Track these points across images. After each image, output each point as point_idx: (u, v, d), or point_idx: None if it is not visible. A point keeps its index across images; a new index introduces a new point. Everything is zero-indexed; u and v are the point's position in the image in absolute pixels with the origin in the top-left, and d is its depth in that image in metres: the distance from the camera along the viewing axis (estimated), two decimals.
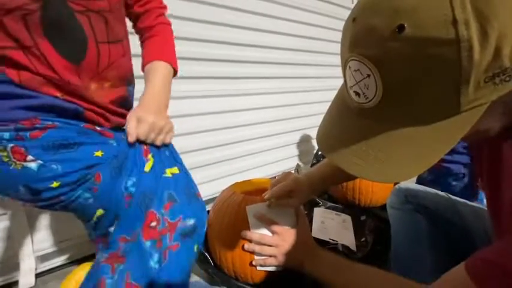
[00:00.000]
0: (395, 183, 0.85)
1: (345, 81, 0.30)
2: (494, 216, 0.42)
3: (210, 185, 1.14)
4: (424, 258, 0.65)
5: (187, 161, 1.06)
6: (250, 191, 0.87)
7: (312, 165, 1.46)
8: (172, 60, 0.62)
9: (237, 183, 0.87)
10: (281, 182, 0.66)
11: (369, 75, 0.26)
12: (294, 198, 0.66)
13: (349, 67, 0.28)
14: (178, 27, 0.96)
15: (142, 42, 0.65)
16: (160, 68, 0.59)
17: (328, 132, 0.34)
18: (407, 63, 0.24)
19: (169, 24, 0.67)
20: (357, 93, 0.28)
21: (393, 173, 0.27)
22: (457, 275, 0.33)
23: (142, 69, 0.61)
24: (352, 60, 0.27)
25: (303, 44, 1.47)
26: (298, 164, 1.57)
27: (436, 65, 0.23)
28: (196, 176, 1.12)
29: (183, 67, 1.00)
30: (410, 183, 0.78)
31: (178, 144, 1.02)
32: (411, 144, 0.26)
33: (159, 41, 0.62)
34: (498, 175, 0.38)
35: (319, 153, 1.44)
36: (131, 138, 0.49)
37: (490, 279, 0.30)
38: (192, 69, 1.01)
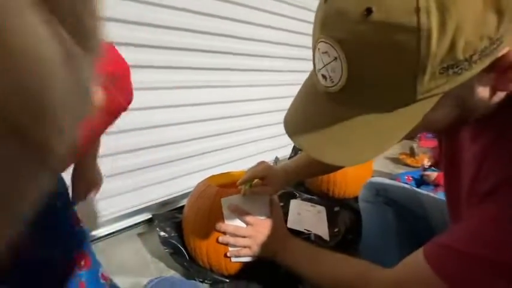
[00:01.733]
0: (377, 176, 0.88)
1: (314, 63, 0.30)
2: (452, 202, 0.44)
3: (188, 179, 1.12)
4: (391, 248, 0.69)
5: (160, 154, 1.04)
6: (226, 184, 0.86)
7: (290, 158, 1.48)
8: None
9: (212, 176, 0.87)
10: (253, 169, 0.67)
11: (335, 58, 0.26)
12: (268, 186, 0.67)
13: (318, 49, 0.28)
14: (171, 18, 0.92)
15: None
16: None
17: (295, 116, 0.34)
18: (371, 48, 0.24)
19: None
20: (324, 77, 0.29)
21: (351, 157, 0.28)
22: (415, 260, 0.36)
23: None
24: (321, 42, 0.27)
25: (288, 38, 1.47)
26: (276, 157, 1.58)
27: (397, 52, 0.24)
28: (173, 169, 1.11)
29: (159, 56, 0.97)
30: (382, 178, 0.82)
31: (154, 137, 1.00)
32: (371, 130, 0.27)
33: None
34: (456, 162, 0.41)
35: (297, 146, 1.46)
36: None
37: (445, 262, 0.32)
38: (170, 58, 0.97)
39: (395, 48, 0.24)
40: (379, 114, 0.27)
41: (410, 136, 0.31)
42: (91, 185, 0.63)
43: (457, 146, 0.41)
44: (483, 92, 0.28)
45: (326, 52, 0.27)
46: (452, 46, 0.23)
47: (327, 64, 0.28)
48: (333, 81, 0.28)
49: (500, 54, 0.25)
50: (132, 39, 0.85)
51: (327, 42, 0.27)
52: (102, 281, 0.49)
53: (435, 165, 1.32)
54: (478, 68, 0.25)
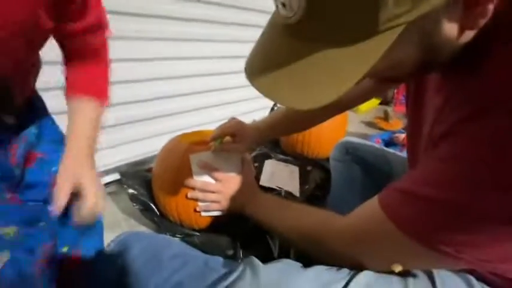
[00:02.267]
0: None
1: None
2: (411, 153, 0.45)
3: (159, 139, 1.09)
4: (356, 202, 0.72)
5: (131, 112, 0.98)
6: (197, 142, 0.84)
7: None
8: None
9: (184, 134, 0.84)
10: (224, 125, 0.65)
11: None
12: (238, 143, 0.66)
13: None
14: None
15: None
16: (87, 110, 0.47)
17: (254, 57, 0.31)
18: None
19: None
20: (284, 5, 0.26)
21: (309, 99, 0.26)
22: (370, 205, 0.36)
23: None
24: None
25: None
26: (254, 120, 1.57)
27: None
28: (145, 129, 1.06)
29: (137, 3, 0.85)
30: (352, 138, 0.84)
31: (122, 92, 0.93)
32: (330, 67, 0.25)
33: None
34: (419, 111, 0.41)
35: (274, 108, 1.45)
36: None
37: (395, 204, 0.33)
38: (137, 4, 0.87)
39: None
40: (338, 48, 0.25)
41: (371, 77, 0.30)
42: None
43: (422, 94, 0.40)
44: (450, 28, 0.26)
45: None
46: None
47: None
48: (292, 9, 0.25)
49: None
50: None
51: None
52: None
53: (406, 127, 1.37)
54: None
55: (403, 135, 1.31)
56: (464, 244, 0.28)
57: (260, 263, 0.36)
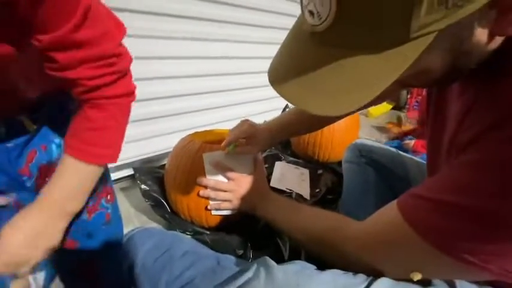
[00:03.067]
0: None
1: (301, 0, 0.28)
2: (431, 158, 0.44)
3: (172, 137, 1.09)
4: (370, 206, 0.71)
5: (145, 109, 1.00)
6: (210, 141, 0.85)
7: None
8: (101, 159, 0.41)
9: (196, 132, 0.85)
10: (237, 128, 0.65)
11: None
12: (251, 145, 0.66)
13: None
14: None
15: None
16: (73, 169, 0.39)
17: (278, 63, 0.31)
18: None
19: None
20: (311, 13, 0.26)
21: (336, 105, 0.26)
22: (388, 210, 0.36)
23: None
24: None
25: None
26: (265, 121, 1.56)
27: None
28: (155, 127, 1.07)
29: (151, 2, 0.87)
30: (366, 140, 0.82)
31: (141, 90, 0.93)
32: (358, 74, 0.25)
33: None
34: (441, 117, 0.40)
35: (286, 109, 1.44)
36: None
37: (415, 210, 0.32)
38: (153, 3, 0.88)
39: None
40: (367, 56, 0.24)
41: (397, 86, 0.29)
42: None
43: (444, 101, 0.39)
44: (481, 34, 0.26)
45: None
46: None
47: None
48: (320, 18, 0.25)
49: None
50: None
51: None
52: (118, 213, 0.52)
53: (416, 133, 1.34)
54: (481, 1, 0.22)
55: (413, 142, 1.28)
56: (491, 254, 0.27)
57: (274, 264, 0.35)
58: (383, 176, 0.72)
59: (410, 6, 0.21)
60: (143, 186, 0.79)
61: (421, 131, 1.35)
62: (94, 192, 0.46)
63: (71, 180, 0.38)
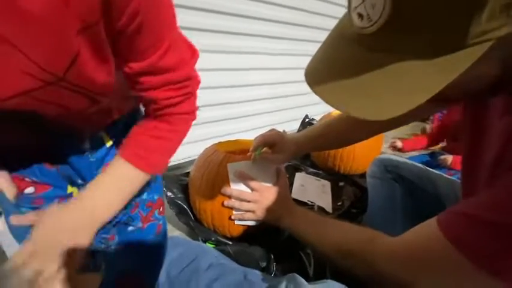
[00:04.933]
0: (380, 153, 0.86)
1: (349, 2, 0.27)
2: (467, 174, 0.42)
3: (196, 145, 1.13)
4: (397, 223, 0.69)
5: None
6: (233, 151, 0.86)
7: (298, 132, 1.46)
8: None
9: (220, 142, 0.86)
10: (265, 134, 0.66)
11: None
12: (277, 154, 0.66)
13: None
14: None
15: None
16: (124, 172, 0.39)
17: (317, 65, 0.31)
18: None
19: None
20: (360, 15, 0.25)
21: (379, 109, 0.25)
22: (427, 226, 0.35)
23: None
24: None
25: (309, 4, 1.38)
26: (284, 131, 1.57)
27: None
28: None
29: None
30: (391, 155, 0.80)
31: None
32: (404, 81, 0.24)
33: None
34: (481, 133, 0.38)
35: (306, 120, 1.44)
36: None
37: (457, 227, 0.31)
38: (183, 18, 0.93)
39: None
40: (417, 61, 0.24)
41: (437, 97, 0.29)
42: None
43: (484, 116, 0.38)
44: None
45: None
46: None
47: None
48: (370, 20, 0.24)
49: None
50: None
51: None
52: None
53: (448, 148, 1.29)
54: None
55: (450, 158, 1.22)
56: None
57: (304, 281, 0.35)
58: (410, 192, 0.70)
59: (472, 11, 0.21)
60: (169, 194, 0.81)
61: (453, 146, 1.30)
62: (149, 201, 0.49)
63: (117, 185, 0.38)
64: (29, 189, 0.40)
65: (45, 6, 0.23)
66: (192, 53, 0.39)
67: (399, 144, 1.44)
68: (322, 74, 0.29)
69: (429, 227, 0.34)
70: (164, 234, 0.53)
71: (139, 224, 0.48)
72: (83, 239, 0.36)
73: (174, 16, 0.34)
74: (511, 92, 0.31)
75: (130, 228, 0.47)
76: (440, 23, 0.22)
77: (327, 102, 0.28)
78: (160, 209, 0.52)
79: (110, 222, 0.43)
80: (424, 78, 0.24)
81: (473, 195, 0.34)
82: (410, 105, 0.24)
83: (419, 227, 0.37)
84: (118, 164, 0.38)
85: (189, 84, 0.38)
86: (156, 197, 0.51)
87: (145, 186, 0.48)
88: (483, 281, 0.29)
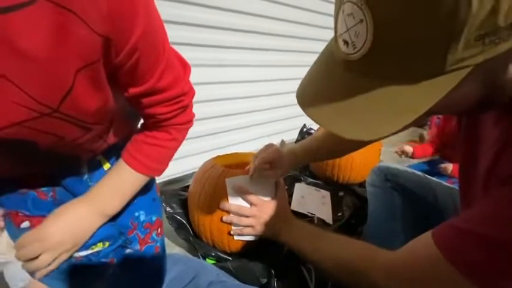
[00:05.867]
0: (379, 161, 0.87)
1: (336, 28, 0.28)
2: (465, 187, 0.43)
3: (195, 158, 1.13)
4: (397, 232, 0.69)
5: None
6: (231, 164, 0.86)
7: (297, 141, 1.47)
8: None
9: (218, 156, 0.86)
10: (263, 153, 0.66)
11: (361, 21, 0.24)
12: (275, 169, 0.66)
13: (343, 11, 0.26)
14: None
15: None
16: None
17: (309, 87, 0.32)
18: (403, 7, 0.22)
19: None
20: (346, 42, 0.26)
21: (367, 131, 0.26)
22: (423, 242, 0.35)
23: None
24: (348, 2, 0.25)
25: (304, 17, 1.41)
26: (282, 140, 1.57)
27: (432, 12, 0.21)
28: (180, 148, 1.11)
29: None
30: (390, 163, 0.81)
31: None
32: (390, 104, 0.25)
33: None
34: (475, 145, 0.39)
35: (304, 129, 1.44)
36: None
37: (452, 242, 0.31)
38: (175, 34, 0.94)
39: (430, 8, 0.21)
40: (400, 86, 0.25)
41: (428, 114, 0.29)
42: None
43: (477, 129, 0.38)
44: None
45: (351, 14, 0.25)
46: (495, 9, 0.20)
47: (350, 28, 0.25)
48: (355, 47, 0.26)
49: None
50: None
51: (354, 3, 0.24)
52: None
53: (447, 156, 1.29)
54: None
55: (451, 166, 1.22)
56: None
57: None
58: (410, 201, 0.70)
59: (448, 41, 0.22)
60: (168, 209, 0.81)
61: (451, 153, 1.30)
62: (147, 223, 0.49)
63: (118, 183, 0.42)
64: (25, 224, 0.40)
65: (45, 47, 0.24)
66: (185, 68, 0.41)
67: (409, 149, 1.42)
68: (313, 96, 0.31)
69: (425, 241, 0.34)
70: (162, 255, 0.52)
71: (137, 247, 0.48)
72: (87, 233, 0.39)
73: (166, 37, 0.35)
74: (499, 106, 0.32)
75: (128, 250, 0.47)
76: (419, 51, 0.23)
77: (319, 124, 0.29)
78: (159, 230, 0.52)
79: (109, 246, 0.43)
80: (409, 101, 0.25)
81: (470, 206, 0.34)
82: (398, 126, 0.25)
83: (416, 241, 0.37)
84: (121, 166, 0.42)
85: (184, 98, 0.41)
86: (154, 218, 0.51)
87: (143, 207, 0.48)
88: None
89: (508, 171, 0.30)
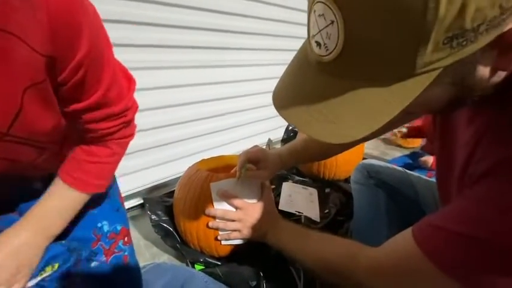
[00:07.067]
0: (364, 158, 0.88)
1: (308, 29, 0.28)
2: (442, 184, 0.44)
3: (180, 163, 1.11)
4: (383, 228, 0.70)
5: (151, 138, 1.02)
6: (217, 168, 0.85)
7: (283, 140, 1.47)
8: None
9: (203, 160, 0.86)
10: (248, 155, 0.66)
11: (332, 22, 0.24)
12: (262, 170, 0.66)
13: (314, 11, 0.26)
14: None
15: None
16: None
17: (284, 88, 0.32)
18: (373, 9, 0.22)
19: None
20: (318, 44, 0.26)
21: (340, 133, 0.26)
22: (403, 238, 0.35)
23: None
24: (318, 2, 0.25)
25: (284, 15, 1.40)
26: (269, 139, 1.57)
27: (401, 15, 0.21)
28: (162, 154, 1.09)
29: (145, 34, 0.91)
30: (374, 160, 0.82)
31: (143, 120, 0.96)
32: (363, 106, 0.26)
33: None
34: (450, 143, 0.40)
35: (290, 128, 1.45)
36: None
37: (430, 240, 0.32)
38: (153, 36, 0.92)
39: (399, 10, 0.21)
40: (373, 88, 0.25)
41: (401, 116, 0.30)
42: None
43: (452, 127, 0.40)
44: (483, 70, 0.26)
45: (322, 15, 0.25)
46: (462, 12, 0.20)
47: (322, 29, 0.25)
48: (327, 49, 0.25)
49: (507, 28, 0.23)
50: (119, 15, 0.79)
51: (324, 3, 0.24)
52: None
53: (427, 149, 1.32)
54: (483, 41, 0.23)
55: (431, 159, 1.25)
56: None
57: None
58: (393, 197, 0.71)
59: (417, 44, 0.22)
60: (153, 217, 0.79)
61: (431, 147, 1.34)
62: (112, 233, 0.48)
63: (59, 205, 0.40)
64: None
65: None
66: (129, 82, 0.41)
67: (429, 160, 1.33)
68: (288, 98, 0.31)
69: (404, 238, 0.35)
70: (134, 264, 0.51)
71: (103, 258, 0.47)
72: (34, 258, 0.37)
73: (111, 52, 0.35)
74: (474, 104, 0.33)
75: (93, 264, 0.45)
76: (390, 54, 0.23)
77: (293, 125, 0.29)
78: (125, 239, 0.51)
79: (60, 267, 0.42)
80: (381, 103, 0.25)
81: (448, 202, 0.35)
82: (370, 129, 0.25)
83: (396, 238, 0.38)
84: (60, 187, 0.40)
85: (128, 113, 0.40)
86: (119, 228, 0.50)
87: (106, 217, 0.47)
88: None
89: (479, 170, 0.31)
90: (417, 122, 1.37)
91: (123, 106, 0.38)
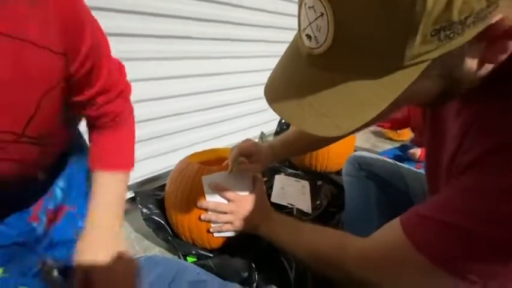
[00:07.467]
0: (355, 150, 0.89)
1: (299, 22, 0.28)
2: (431, 175, 0.45)
3: (172, 156, 1.10)
4: (373, 220, 0.72)
5: (142, 131, 1.00)
6: (209, 161, 0.85)
7: (276, 133, 1.47)
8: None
9: (194, 153, 0.85)
10: (240, 148, 0.66)
11: (322, 14, 0.24)
12: (254, 163, 0.66)
13: (305, 4, 0.26)
14: None
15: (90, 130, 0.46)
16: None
17: (275, 82, 0.32)
18: (361, 2, 0.22)
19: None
20: (309, 37, 0.26)
21: (331, 126, 0.26)
22: (392, 227, 0.36)
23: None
24: None
25: (277, 6, 1.38)
26: (262, 132, 1.57)
27: (389, 7, 0.21)
28: (153, 147, 1.08)
29: (139, 24, 0.88)
30: (365, 152, 0.83)
31: (137, 112, 0.94)
32: (353, 98, 0.26)
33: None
34: (439, 135, 0.40)
35: (283, 120, 1.45)
36: None
37: (418, 230, 0.33)
38: (146, 26, 0.89)
39: (388, 2, 0.21)
40: (362, 81, 0.25)
41: (391, 108, 0.30)
42: None
43: (441, 120, 0.40)
44: (471, 63, 0.27)
45: (312, 7, 0.24)
46: (449, 4, 0.21)
47: (312, 22, 0.25)
48: (317, 42, 0.25)
49: (493, 20, 0.23)
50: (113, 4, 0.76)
51: None
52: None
53: (416, 141, 1.34)
54: (470, 33, 0.23)
55: (419, 151, 1.28)
56: (492, 277, 0.28)
57: None
58: (383, 189, 0.73)
59: (405, 37, 0.22)
60: (144, 210, 0.79)
61: (420, 139, 1.36)
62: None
63: (111, 197, 0.43)
64: None
65: (5, 78, 0.26)
66: (119, 63, 0.45)
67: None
68: (279, 91, 0.30)
69: (393, 228, 0.35)
70: None
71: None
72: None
73: (107, 41, 0.39)
74: (463, 96, 0.33)
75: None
76: (379, 46, 0.23)
77: (284, 118, 0.29)
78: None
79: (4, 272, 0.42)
80: (371, 96, 0.25)
81: (437, 193, 0.36)
82: (361, 121, 0.25)
83: (384, 228, 0.38)
84: (100, 176, 0.42)
85: (129, 90, 0.45)
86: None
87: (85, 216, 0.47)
88: (443, 280, 0.30)
89: (465, 161, 0.31)
90: (398, 115, 1.39)
91: (125, 82, 0.43)
